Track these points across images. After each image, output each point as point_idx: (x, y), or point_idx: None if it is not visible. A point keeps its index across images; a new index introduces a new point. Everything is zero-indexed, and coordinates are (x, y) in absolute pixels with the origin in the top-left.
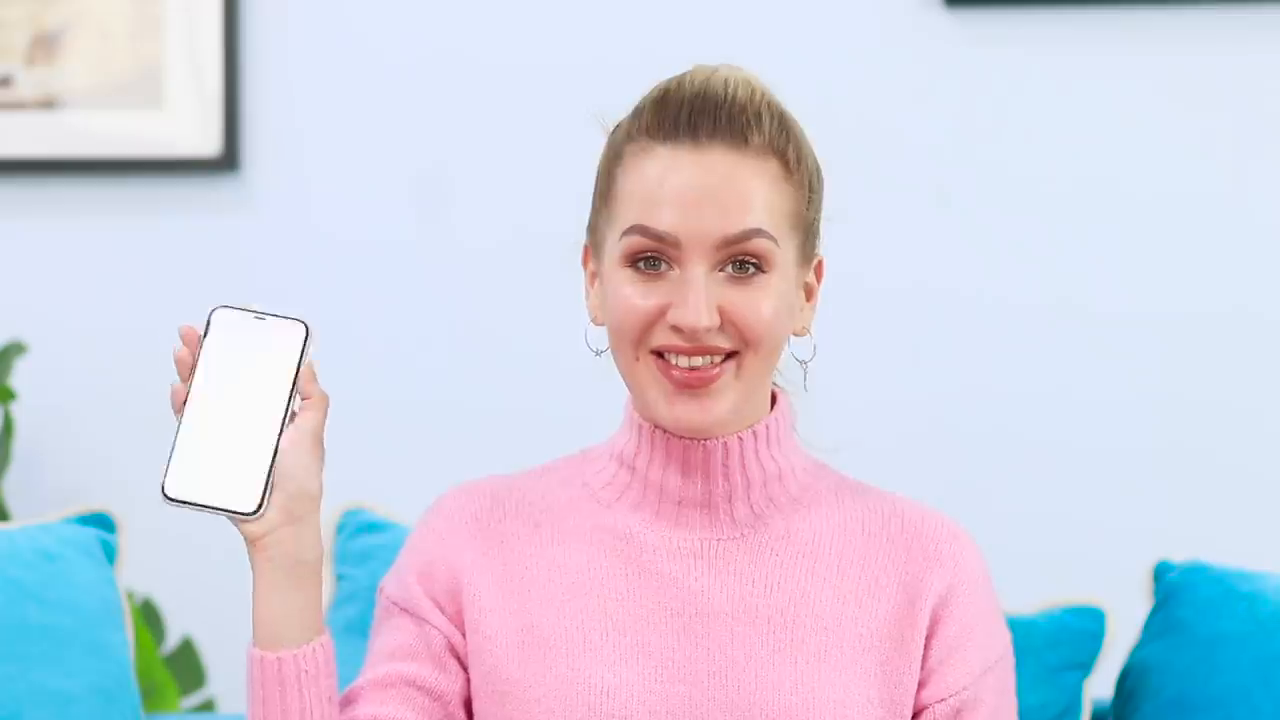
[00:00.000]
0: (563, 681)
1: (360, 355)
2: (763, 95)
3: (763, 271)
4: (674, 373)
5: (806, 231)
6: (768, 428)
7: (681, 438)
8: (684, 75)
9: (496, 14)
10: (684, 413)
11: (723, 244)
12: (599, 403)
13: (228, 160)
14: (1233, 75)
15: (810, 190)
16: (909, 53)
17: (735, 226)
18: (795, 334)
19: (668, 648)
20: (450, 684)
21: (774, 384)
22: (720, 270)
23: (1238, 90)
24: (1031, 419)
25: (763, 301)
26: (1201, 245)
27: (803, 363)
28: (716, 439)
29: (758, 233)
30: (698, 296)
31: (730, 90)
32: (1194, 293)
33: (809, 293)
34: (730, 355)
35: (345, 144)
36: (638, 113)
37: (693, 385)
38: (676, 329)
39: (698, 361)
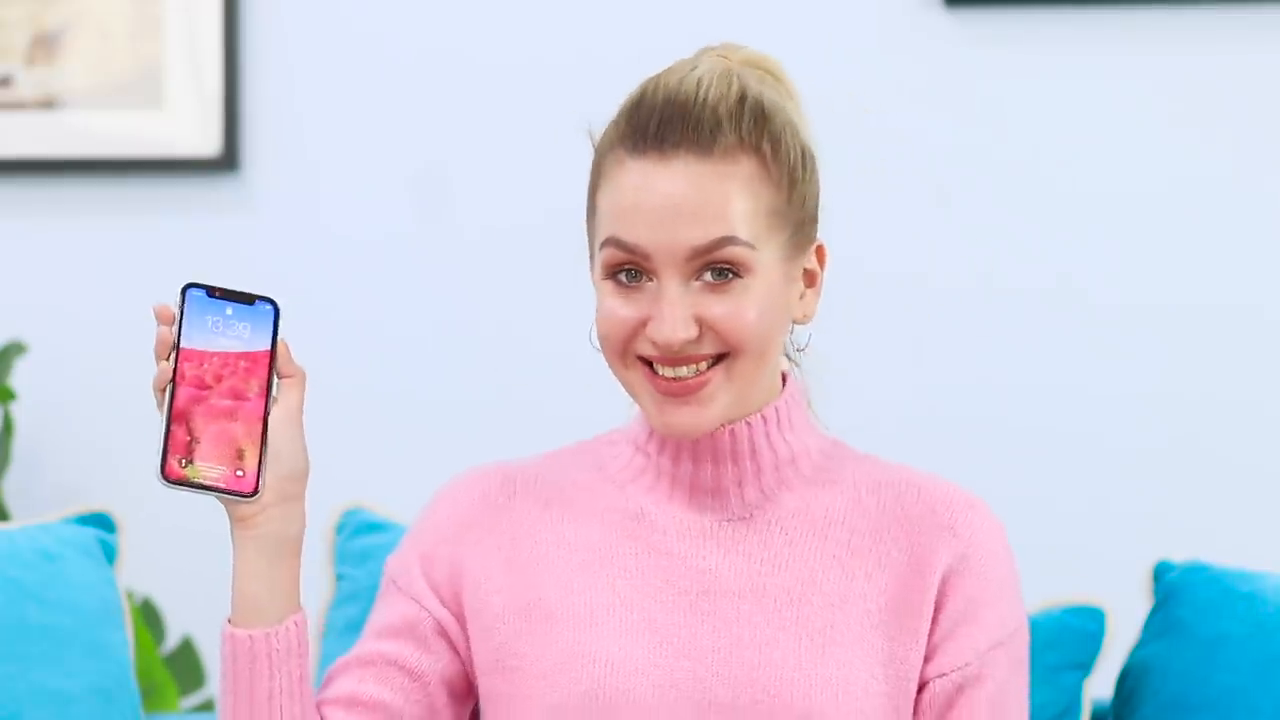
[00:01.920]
0: (568, 654)
1: (361, 354)
2: (739, 90)
3: (740, 276)
4: (660, 381)
5: (795, 223)
6: (777, 411)
7: None
8: (660, 76)
9: (495, 12)
10: (674, 419)
11: (693, 255)
12: (601, 399)
13: (228, 160)
14: (1233, 75)
15: (793, 181)
16: (909, 53)
17: (704, 237)
18: (797, 322)
19: (674, 624)
20: (432, 664)
21: (788, 364)
22: (697, 279)
23: (1238, 90)
24: (1031, 417)
25: (742, 307)
26: (1201, 242)
27: (799, 350)
28: (724, 425)
29: (728, 240)
30: (671, 311)
31: (702, 92)
32: (1193, 289)
33: (811, 279)
34: (720, 358)
35: (345, 143)
36: (615, 122)
37: (679, 394)
38: (655, 343)
39: (682, 371)
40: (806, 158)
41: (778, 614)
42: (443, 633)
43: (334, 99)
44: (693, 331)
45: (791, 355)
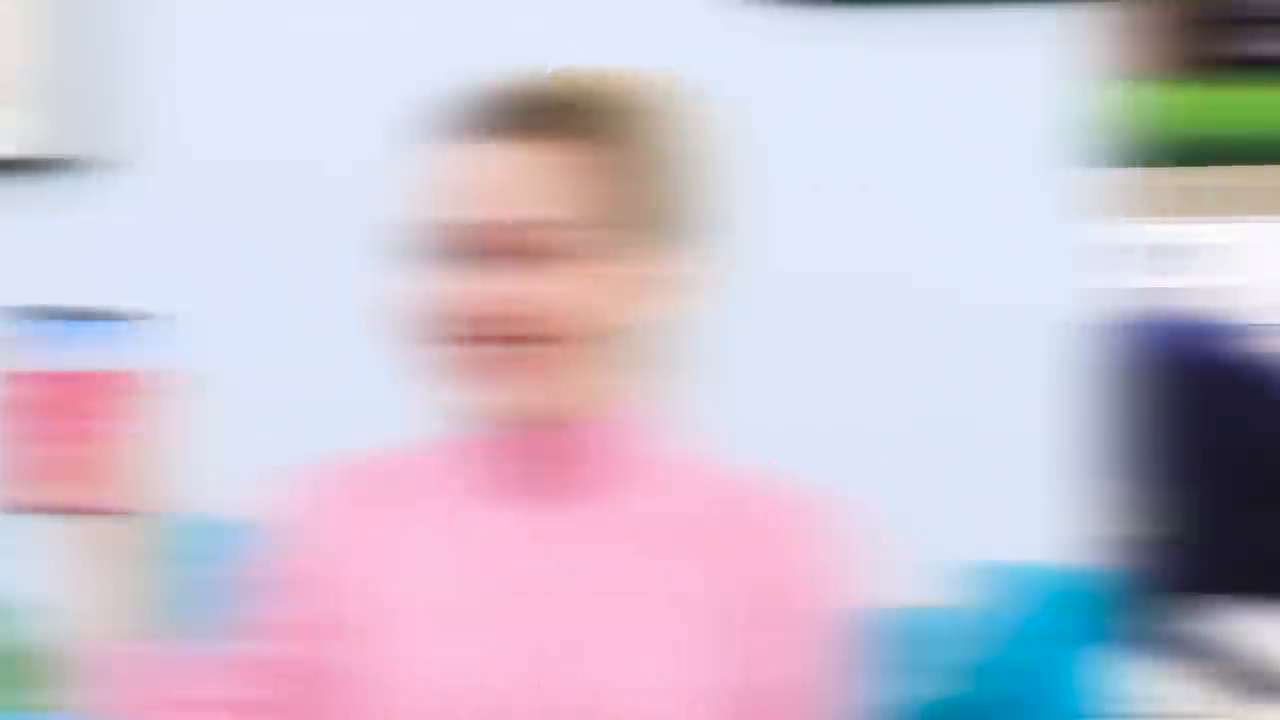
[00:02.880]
0: (394, 662)
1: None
2: (594, 88)
3: (550, 260)
4: (468, 362)
5: (636, 222)
6: (613, 413)
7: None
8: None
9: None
10: (480, 399)
11: (499, 232)
12: None
13: (97, 161)
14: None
15: (633, 178)
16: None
17: (511, 215)
18: (642, 327)
19: (497, 629)
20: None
21: (645, 365)
22: (507, 258)
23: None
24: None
25: (550, 290)
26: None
27: (658, 357)
28: (555, 427)
29: (536, 222)
30: (473, 286)
31: (546, 82)
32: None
33: (661, 285)
34: (531, 343)
35: (228, 140)
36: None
37: (484, 374)
38: (458, 319)
39: (487, 350)
40: (662, 162)
41: (593, 615)
42: (325, 630)
43: (215, 97)
44: (491, 309)
45: (657, 358)
